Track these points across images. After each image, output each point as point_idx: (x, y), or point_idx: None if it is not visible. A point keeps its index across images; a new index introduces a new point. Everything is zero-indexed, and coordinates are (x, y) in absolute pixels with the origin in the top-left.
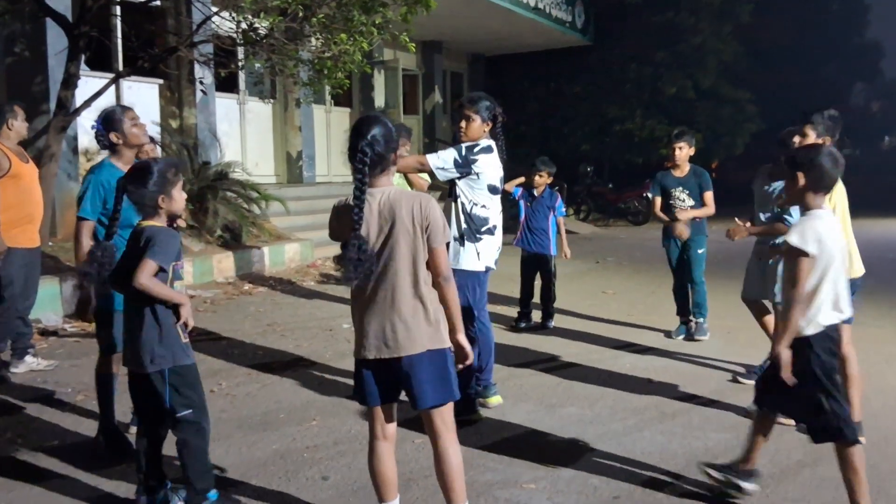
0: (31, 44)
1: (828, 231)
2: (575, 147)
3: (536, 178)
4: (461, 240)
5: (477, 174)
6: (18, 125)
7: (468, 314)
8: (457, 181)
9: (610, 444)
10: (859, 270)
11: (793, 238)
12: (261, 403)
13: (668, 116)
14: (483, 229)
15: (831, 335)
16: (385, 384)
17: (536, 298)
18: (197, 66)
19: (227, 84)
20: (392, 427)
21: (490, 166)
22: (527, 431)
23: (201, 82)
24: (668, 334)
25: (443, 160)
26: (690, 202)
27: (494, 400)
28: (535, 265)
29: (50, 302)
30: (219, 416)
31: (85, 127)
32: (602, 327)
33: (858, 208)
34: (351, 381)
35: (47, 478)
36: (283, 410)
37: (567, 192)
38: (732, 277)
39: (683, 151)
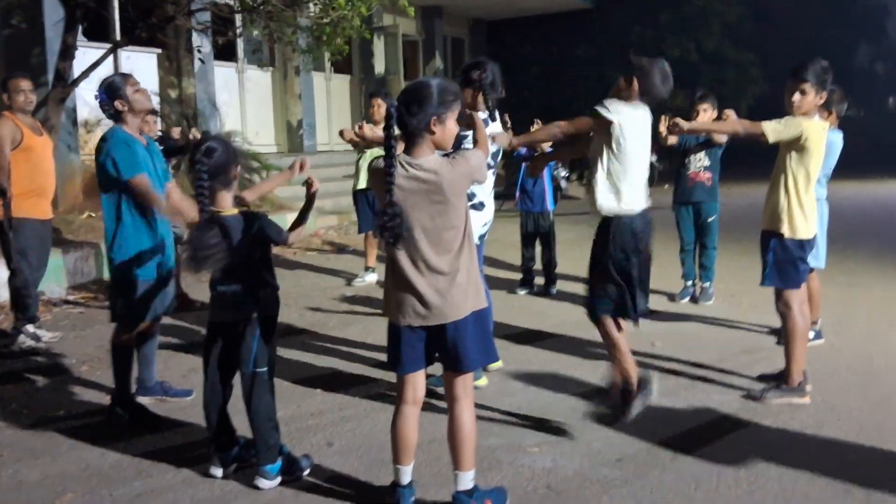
0: (28, 15)
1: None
2: (577, 112)
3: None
4: None
5: (468, 148)
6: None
7: None
8: None
9: (614, 408)
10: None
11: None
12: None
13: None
14: (469, 204)
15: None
16: (424, 350)
17: (539, 266)
18: (195, 35)
19: (225, 53)
20: (422, 392)
21: None
22: (529, 396)
23: (199, 51)
24: (671, 297)
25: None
26: (707, 162)
27: (495, 365)
28: (535, 227)
29: (54, 274)
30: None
31: (84, 98)
32: None
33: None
34: (356, 350)
35: (54, 448)
36: (288, 379)
37: (572, 160)
38: (736, 241)
39: (707, 114)
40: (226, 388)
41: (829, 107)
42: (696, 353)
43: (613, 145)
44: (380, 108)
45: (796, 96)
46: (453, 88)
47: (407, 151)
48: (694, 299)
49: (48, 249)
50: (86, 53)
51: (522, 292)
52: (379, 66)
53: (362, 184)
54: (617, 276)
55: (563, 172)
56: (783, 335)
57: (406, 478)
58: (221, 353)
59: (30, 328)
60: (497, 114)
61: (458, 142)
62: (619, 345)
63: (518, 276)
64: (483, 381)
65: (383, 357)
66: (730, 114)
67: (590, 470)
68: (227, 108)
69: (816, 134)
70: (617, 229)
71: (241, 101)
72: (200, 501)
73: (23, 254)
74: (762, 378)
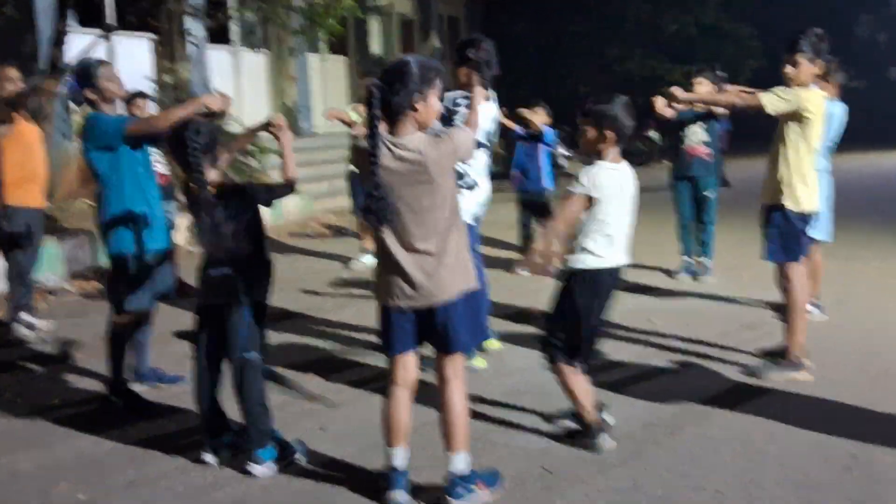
0: (19, 2)
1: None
2: (574, 89)
3: (528, 113)
4: None
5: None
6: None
7: None
8: None
9: (611, 388)
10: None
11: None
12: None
13: (668, 55)
14: (461, 184)
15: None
16: (414, 331)
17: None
18: (188, 19)
19: (219, 36)
20: (414, 374)
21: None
22: (526, 377)
23: (189, 33)
24: (670, 273)
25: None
26: (705, 137)
27: (493, 345)
28: (531, 206)
29: (49, 262)
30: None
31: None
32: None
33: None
34: (352, 333)
35: (49, 437)
36: (282, 364)
37: (569, 136)
38: (736, 215)
39: (703, 87)
40: (215, 374)
41: (827, 77)
42: (695, 330)
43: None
44: None
45: (789, 68)
46: (435, 65)
47: (390, 131)
48: (693, 275)
49: (41, 237)
50: (79, 40)
51: (522, 272)
52: (375, 47)
53: None
54: (590, 327)
55: (563, 151)
56: (785, 310)
57: (399, 461)
58: (210, 338)
59: (25, 317)
60: (490, 92)
61: (450, 116)
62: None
63: (517, 255)
64: (481, 363)
65: (378, 340)
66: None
67: (582, 451)
68: (225, 92)
69: (815, 104)
70: (598, 280)
71: (236, 85)
72: (193, 488)
73: (16, 242)
74: (763, 353)
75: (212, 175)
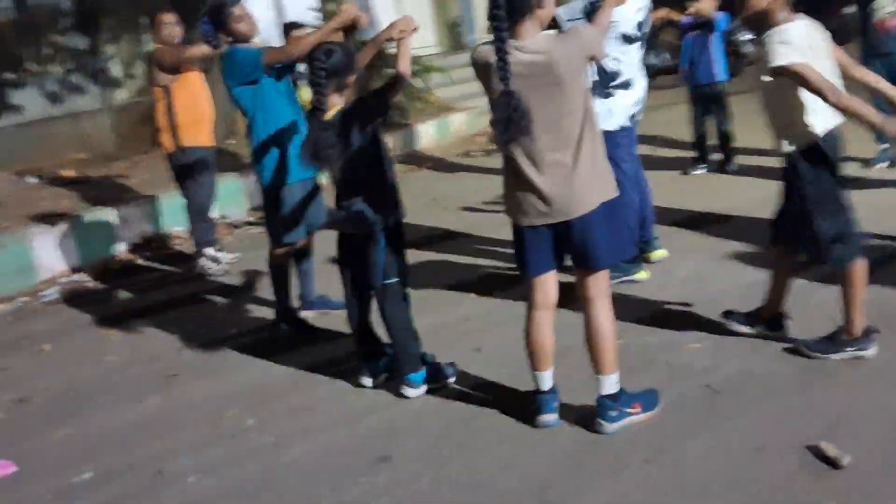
0: None
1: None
2: None
3: (690, 5)
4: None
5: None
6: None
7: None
8: None
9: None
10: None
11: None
12: (419, 280)
13: None
14: (614, 84)
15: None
16: (551, 250)
17: (716, 141)
18: None
19: None
20: (554, 295)
21: (625, 11)
22: (691, 289)
23: None
24: (866, 163)
25: (571, 9)
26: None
27: (658, 254)
28: (704, 99)
29: (233, 197)
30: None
31: None
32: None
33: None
34: (509, 250)
35: (223, 365)
36: (440, 285)
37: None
38: None
39: None
40: (363, 301)
41: None
42: (892, 226)
43: None
44: None
45: None
46: None
47: (511, 35)
48: (892, 164)
49: (214, 174)
50: None
51: (698, 171)
52: None
53: None
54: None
55: (745, 35)
56: None
57: (546, 384)
58: (353, 267)
59: (210, 251)
60: None
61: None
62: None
63: (692, 154)
64: (644, 275)
65: None
66: None
67: (757, 366)
68: (383, 12)
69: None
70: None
71: (397, 3)
72: (348, 413)
73: (192, 180)
74: None
75: (334, 99)
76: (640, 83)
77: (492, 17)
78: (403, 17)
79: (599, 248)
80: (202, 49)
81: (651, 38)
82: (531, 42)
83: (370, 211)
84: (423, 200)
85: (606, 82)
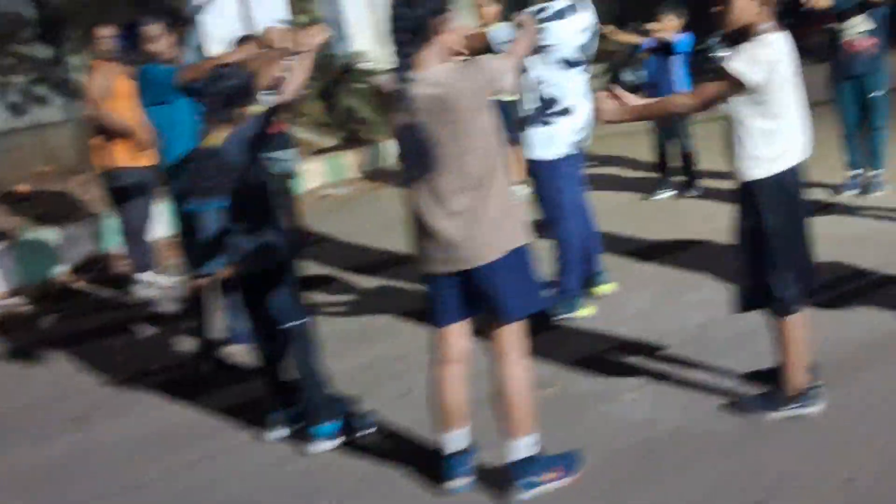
0: None
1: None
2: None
3: (656, 26)
4: (527, 123)
5: (548, 47)
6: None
7: (550, 203)
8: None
9: (736, 342)
10: None
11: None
12: (361, 309)
13: None
14: (554, 110)
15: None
16: (460, 299)
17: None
18: None
19: None
20: (465, 347)
21: (564, 35)
22: (641, 325)
23: None
24: (835, 189)
25: (505, 33)
26: (869, 26)
27: (605, 288)
28: (667, 122)
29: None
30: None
31: (213, 35)
32: None
33: None
34: None
35: (139, 406)
36: (384, 315)
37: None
38: None
39: None
40: (270, 344)
41: None
42: (854, 259)
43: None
44: (487, 6)
45: None
46: None
47: (412, 63)
48: (861, 191)
49: (150, 196)
50: None
51: (661, 195)
52: None
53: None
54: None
55: (724, 52)
56: None
57: (456, 444)
58: (252, 307)
59: (146, 276)
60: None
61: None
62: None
63: (654, 176)
64: (587, 311)
65: None
66: None
67: (696, 422)
68: (359, 29)
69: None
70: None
71: (372, 20)
72: (256, 466)
73: (127, 202)
74: None
75: (223, 126)
76: (584, 109)
77: (393, 41)
78: (317, 25)
79: (507, 300)
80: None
81: (629, 56)
82: (432, 73)
83: (260, 245)
84: (379, 221)
85: (545, 109)
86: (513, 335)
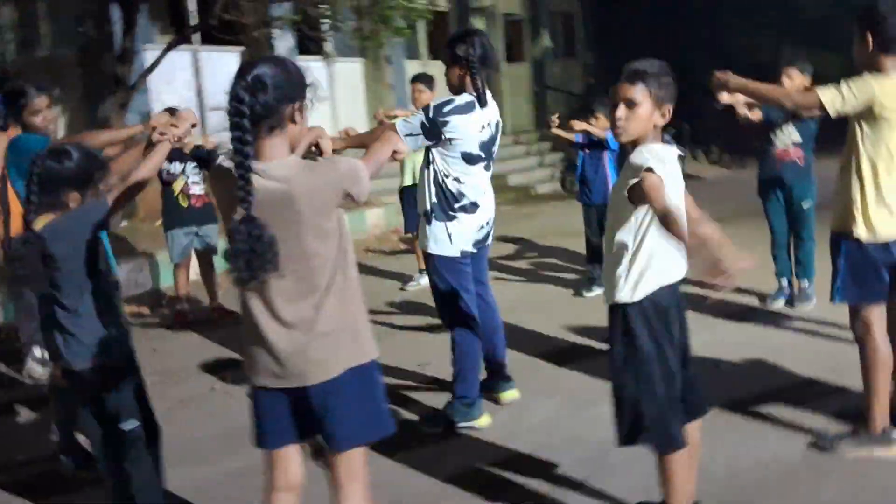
0: (97, 22)
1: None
2: (700, 84)
3: (592, 122)
4: (428, 217)
5: (449, 140)
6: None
7: (448, 302)
8: (431, 147)
9: (631, 467)
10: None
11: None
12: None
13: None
14: (457, 206)
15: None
16: (292, 419)
17: None
18: (277, 32)
19: (312, 46)
20: (297, 474)
21: (467, 129)
22: (538, 440)
23: (271, 45)
24: (763, 299)
25: (411, 125)
26: (798, 137)
27: (509, 395)
28: (598, 217)
29: None
30: (206, 422)
31: (164, 101)
32: (686, 290)
33: None
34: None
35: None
36: None
37: (691, 132)
38: None
39: (795, 81)
40: (107, 449)
41: None
42: (774, 376)
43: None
44: (421, 94)
45: (855, 47)
46: (305, 70)
47: (254, 154)
48: (790, 302)
49: None
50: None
51: (591, 293)
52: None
53: (408, 180)
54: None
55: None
56: (861, 366)
57: None
58: (88, 408)
59: (36, 352)
60: (488, 95)
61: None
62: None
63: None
64: (485, 421)
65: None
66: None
67: None
68: (317, 103)
69: (894, 95)
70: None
71: (330, 94)
72: None
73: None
74: (846, 417)
75: (46, 211)
76: (488, 206)
77: (233, 126)
78: (187, 109)
79: (344, 425)
80: None
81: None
82: (275, 165)
83: (82, 343)
84: None
85: (450, 204)
86: (352, 464)
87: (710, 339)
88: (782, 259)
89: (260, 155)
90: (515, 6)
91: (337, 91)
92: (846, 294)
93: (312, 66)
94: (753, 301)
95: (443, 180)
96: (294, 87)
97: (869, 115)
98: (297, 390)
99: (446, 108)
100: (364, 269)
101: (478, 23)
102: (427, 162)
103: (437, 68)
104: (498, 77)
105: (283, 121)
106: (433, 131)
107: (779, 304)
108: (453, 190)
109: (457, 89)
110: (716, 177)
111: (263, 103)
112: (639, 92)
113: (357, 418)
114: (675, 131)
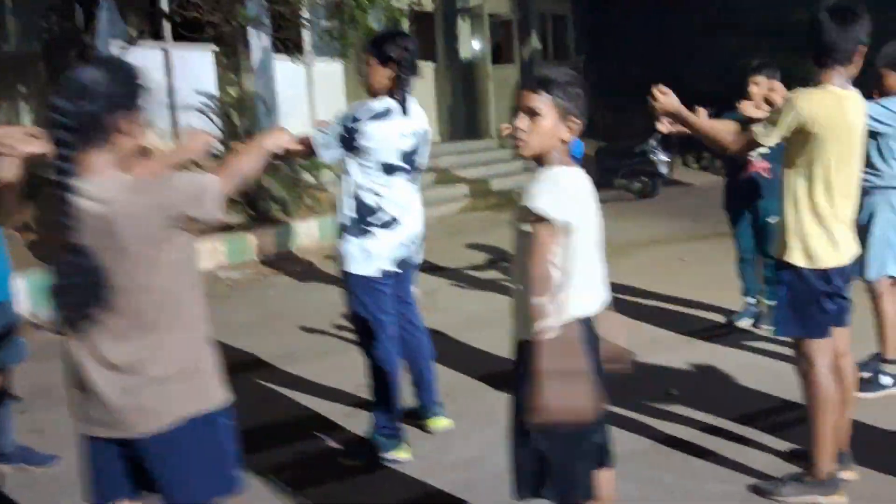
0: (62, 17)
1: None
2: (691, 88)
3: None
4: (343, 232)
5: (365, 150)
6: None
7: (363, 325)
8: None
9: None
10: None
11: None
12: None
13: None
14: (373, 221)
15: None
16: (125, 472)
17: None
18: (252, 31)
19: (291, 46)
20: None
21: (384, 138)
22: (472, 471)
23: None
24: (728, 317)
25: (327, 137)
26: (764, 150)
27: (440, 423)
28: None
29: None
30: None
31: None
32: (653, 308)
33: None
34: (332, 387)
35: None
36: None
37: (679, 140)
38: None
39: (760, 88)
40: None
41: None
42: (728, 404)
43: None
44: None
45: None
46: (144, 73)
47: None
48: (755, 320)
49: None
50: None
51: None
52: (464, 50)
53: None
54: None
55: (661, 155)
56: (806, 404)
57: None
58: None
59: None
60: (414, 102)
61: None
62: None
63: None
64: (405, 454)
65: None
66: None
67: None
68: (294, 104)
69: (826, 110)
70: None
71: (309, 96)
72: None
73: None
74: (794, 456)
75: None
76: (411, 223)
77: (52, 139)
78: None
79: (182, 481)
80: None
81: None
82: (97, 184)
83: None
84: (259, 314)
85: (364, 218)
86: None
87: (670, 359)
88: (749, 276)
89: (84, 171)
90: (503, 7)
91: (316, 92)
92: (787, 328)
93: (287, 66)
94: (719, 318)
95: (359, 192)
96: (124, 95)
97: (797, 137)
98: (128, 441)
99: (359, 114)
100: (322, 278)
101: (464, 23)
102: (345, 172)
103: (423, 68)
104: (484, 78)
105: (110, 133)
106: (350, 141)
107: (745, 323)
108: (370, 203)
109: (379, 92)
110: (705, 183)
111: (85, 112)
112: (542, 102)
113: (196, 474)
114: (663, 136)
